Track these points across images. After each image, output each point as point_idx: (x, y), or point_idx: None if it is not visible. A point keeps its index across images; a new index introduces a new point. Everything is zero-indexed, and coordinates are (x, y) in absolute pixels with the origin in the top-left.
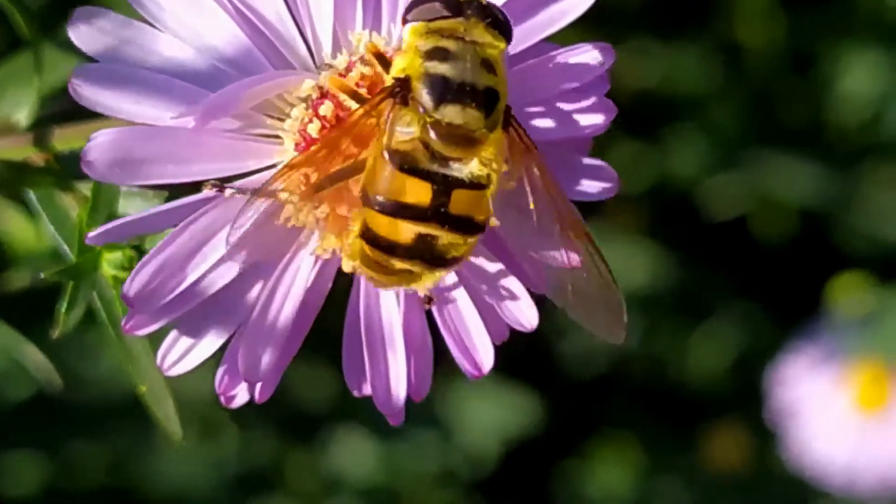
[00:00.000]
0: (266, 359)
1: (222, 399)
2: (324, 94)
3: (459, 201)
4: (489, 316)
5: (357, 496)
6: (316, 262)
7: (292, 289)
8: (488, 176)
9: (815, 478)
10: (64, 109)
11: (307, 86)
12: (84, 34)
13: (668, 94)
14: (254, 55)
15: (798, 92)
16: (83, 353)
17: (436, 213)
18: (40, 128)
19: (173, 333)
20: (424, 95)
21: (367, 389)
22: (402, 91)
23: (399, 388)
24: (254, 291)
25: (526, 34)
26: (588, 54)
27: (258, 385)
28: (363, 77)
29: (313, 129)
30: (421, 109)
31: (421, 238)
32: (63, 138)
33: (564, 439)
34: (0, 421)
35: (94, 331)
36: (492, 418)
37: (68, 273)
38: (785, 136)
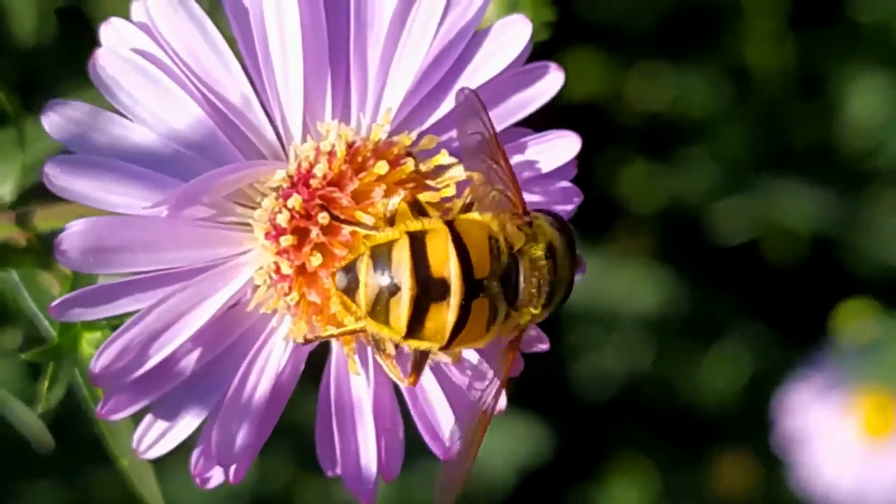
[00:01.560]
0: (239, 441)
1: (197, 480)
2: (293, 185)
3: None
4: (457, 398)
5: None
6: (287, 345)
7: (265, 372)
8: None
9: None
10: None
11: (279, 176)
12: (56, 123)
13: (679, 116)
14: (221, 142)
15: (806, 114)
16: None
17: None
18: (23, 204)
19: (149, 417)
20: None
21: (340, 469)
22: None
23: (369, 467)
24: (228, 375)
25: (496, 120)
26: (557, 142)
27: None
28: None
29: (282, 219)
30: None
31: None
32: (45, 218)
33: (578, 462)
34: (16, 450)
35: None
36: (505, 448)
37: (48, 353)
38: (793, 158)
